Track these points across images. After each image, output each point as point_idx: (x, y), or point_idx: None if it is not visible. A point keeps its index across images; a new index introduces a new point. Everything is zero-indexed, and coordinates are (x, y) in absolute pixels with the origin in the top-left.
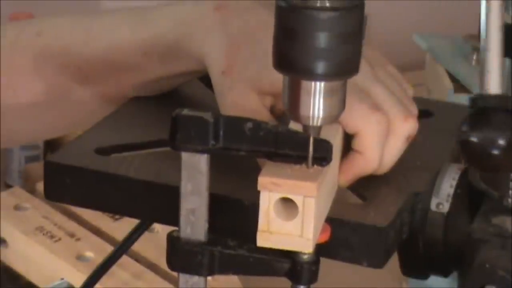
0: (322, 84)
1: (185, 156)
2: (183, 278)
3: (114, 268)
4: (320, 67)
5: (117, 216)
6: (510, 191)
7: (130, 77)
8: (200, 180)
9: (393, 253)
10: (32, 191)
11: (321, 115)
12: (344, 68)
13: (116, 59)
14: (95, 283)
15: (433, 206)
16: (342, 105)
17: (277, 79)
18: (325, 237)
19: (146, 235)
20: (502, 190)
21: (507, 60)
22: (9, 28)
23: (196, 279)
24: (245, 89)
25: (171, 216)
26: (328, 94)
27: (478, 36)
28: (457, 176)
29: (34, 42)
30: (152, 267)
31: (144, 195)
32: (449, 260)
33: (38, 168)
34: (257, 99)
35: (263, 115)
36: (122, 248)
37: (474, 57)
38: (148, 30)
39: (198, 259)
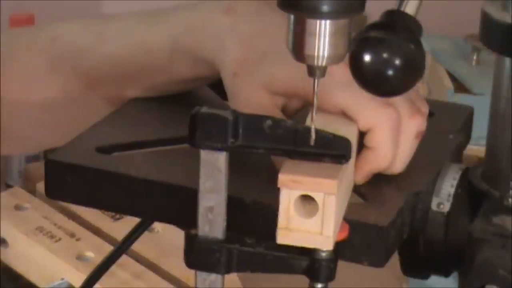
0: (328, 22)
1: (204, 153)
2: (201, 276)
3: (114, 268)
4: (326, 5)
5: (117, 216)
6: (511, 191)
7: (141, 80)
8: (219, 178)
9: (394, 253)
10: (32, 191)
11: (326, 55)
12: (350, 6)
13: (127, 63)
14: (95, 283)
15: (434, 206)
16: (348, 44)
17: (288, 79)
18: (343, 234)
19: (146, 235)
20: (502, 189)
21: (507, 60)
22: (25, 32)
23: (213, 277)
24: (257, 89)
25: (172, 215)
26: (333, 33)
27: (478, 36)
28: (458, 176)
29: (49, 46)
30: (152, 267)
31: (145, 193)
32: (449, 260)
33: (38, 168)
34: (269, 99)
35: (275, 115)
36: (122, 247)
37: (474, 57)
38: (159, 35)
39: (216, 257)
